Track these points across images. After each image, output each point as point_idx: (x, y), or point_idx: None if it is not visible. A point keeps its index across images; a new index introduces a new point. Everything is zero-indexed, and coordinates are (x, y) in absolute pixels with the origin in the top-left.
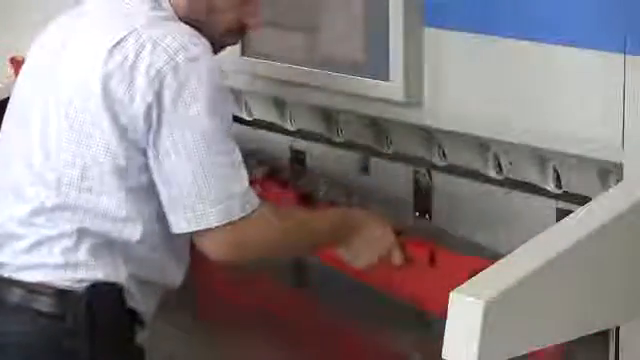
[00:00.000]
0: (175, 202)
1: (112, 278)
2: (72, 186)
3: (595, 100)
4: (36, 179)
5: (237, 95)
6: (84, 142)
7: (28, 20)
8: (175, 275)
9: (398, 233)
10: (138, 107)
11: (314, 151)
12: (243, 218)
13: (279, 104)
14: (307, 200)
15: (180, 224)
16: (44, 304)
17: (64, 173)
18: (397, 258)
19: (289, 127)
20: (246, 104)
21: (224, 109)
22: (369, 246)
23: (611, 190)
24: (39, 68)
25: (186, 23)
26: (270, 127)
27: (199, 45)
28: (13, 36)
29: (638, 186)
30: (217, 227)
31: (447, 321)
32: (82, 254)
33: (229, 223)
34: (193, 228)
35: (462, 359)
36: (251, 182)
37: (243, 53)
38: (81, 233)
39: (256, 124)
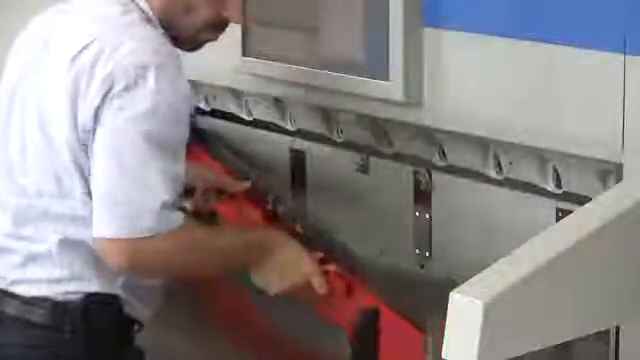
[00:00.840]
0: (94, 204)
1: (107, 288)
2: (51, 194)
3: (595, 100)
4: (15, 187)
5: (237, 95)
6: (56, 149)
7: (26, 19)
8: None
9: (323, 262)
10: (88, 110)
11: (314, 151)
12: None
13: (279, 104)
14: (272, 219)
15: (94, 227)
16: (41, 316)
17: (43, 180)
18: (318, 286)
19: (289, 127)
20: (246, 104)
21: (168, 121)
22: (281, 272)
23: (611, 190)
24: (20, 72)
25: (164, 22)
26: (270, 127)
27: (159, 54)
28: (11, 36)
29: (638, 186)
30: (118, 238)
31: (447, 321)
32: (74, 267)
33: (130, 238)
34: (95, 234)
35: (462, 359)
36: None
37: (243, 53)
38: (69, 244)
39: (256, 124)
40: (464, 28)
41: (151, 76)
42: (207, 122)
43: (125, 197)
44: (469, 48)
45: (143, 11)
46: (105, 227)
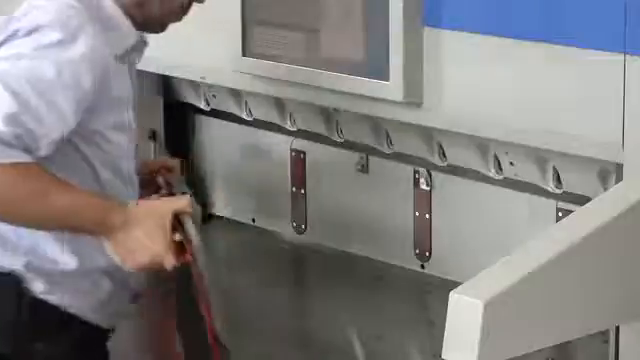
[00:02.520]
0: None
1: (7, 264)
2: None
3: (595, 100)
4: None
5: (237, 95)
6: None
7: None
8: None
9: (178, 220)
10: None
11: (314, 151)
12: None
13: (279, 104)
14: None
15: None
16: None
17: None
18: (167, 263)
19: (289, 127)
20: (246, 104)
21: (50, 60)
22: (138, 247)
23: (611, 190)
24: None
25: (132, 8)
26: (270, 127)
27: (58, 20)
28: None
29: (638, 186)
30: None
31: (447, 321)
32: None
33: None
34: None
35: (462, 359)
36: None
37: (243, 53)
38: None
39: (256, 124)
40: (464, 28)
41: (47, 32)
42: (207, 122)
43: None
44: (469, 48)
45: None
46: None
